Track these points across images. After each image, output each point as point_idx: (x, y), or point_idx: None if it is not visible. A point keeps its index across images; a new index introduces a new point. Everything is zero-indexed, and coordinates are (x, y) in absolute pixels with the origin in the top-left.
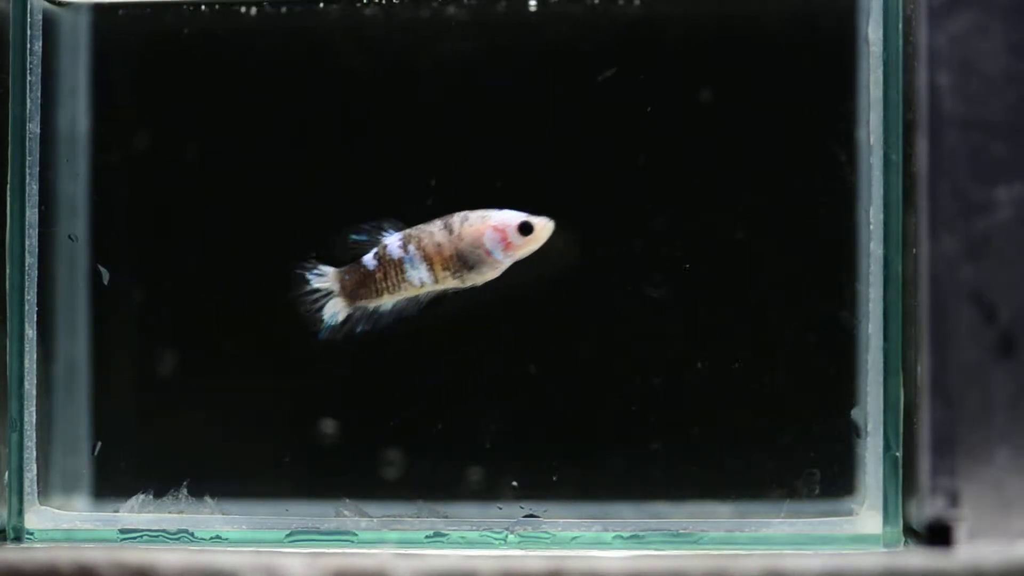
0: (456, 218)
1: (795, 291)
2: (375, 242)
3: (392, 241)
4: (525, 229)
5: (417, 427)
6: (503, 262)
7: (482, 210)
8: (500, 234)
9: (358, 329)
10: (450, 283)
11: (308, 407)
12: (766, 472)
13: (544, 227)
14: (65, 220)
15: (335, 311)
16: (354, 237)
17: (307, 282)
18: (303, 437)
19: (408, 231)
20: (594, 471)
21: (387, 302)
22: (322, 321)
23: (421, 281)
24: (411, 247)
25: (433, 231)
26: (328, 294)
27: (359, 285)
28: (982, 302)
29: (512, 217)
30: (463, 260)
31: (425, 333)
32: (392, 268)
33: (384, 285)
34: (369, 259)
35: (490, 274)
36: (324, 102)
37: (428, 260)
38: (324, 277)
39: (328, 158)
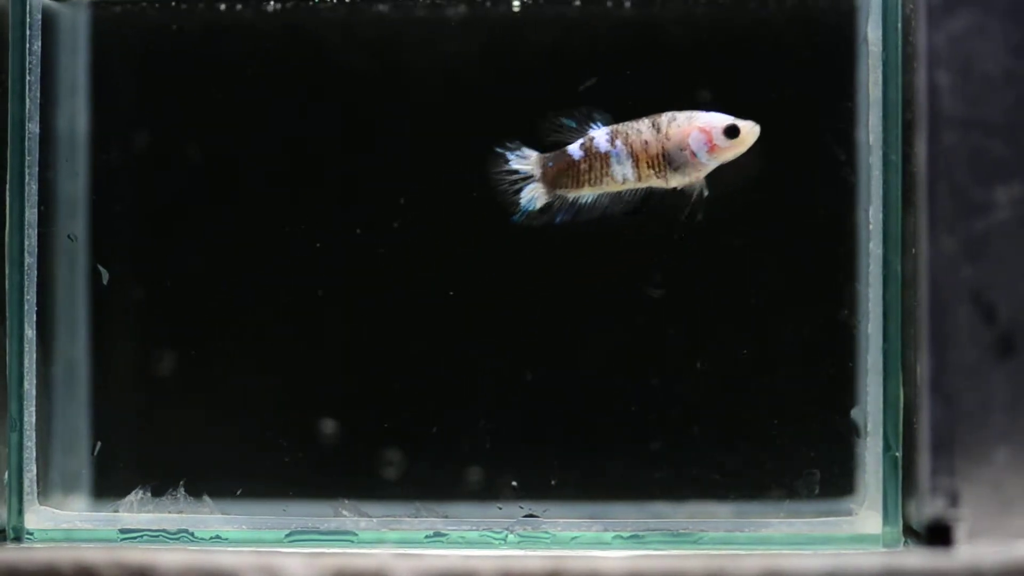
0: (664, 117)
1: (795, 291)
2: (581, 132)
3: (600, 134)
4: (731, 132)
5: (417, 427)
6: (707, 165)
7: (690, 111)
8: (705, 136)
9: (557, 219)
10: (653, 182)
11: (308, 407)
12: (766, 472)
13: (750, 131)
14: (65, 220)
15: (534, 196)
16: (562, 120)
17: (507, 161)
18: (303, 437)
19: (616, 126)
20: (594, 471)
21: (587, 194)
22: (518, 205)
23: (624, 177)
24: (618, 142)
25: (641, 129)
26: (528, 178)
27: (561, 173)
28: (982, 302)
29: (718, 119)
30: (668, 160)
31: (425, 333)
32: (597, 161)
33: (587, 177)
34: (575, 148)
35: (693, 176)
36: (323, 101)
37: (634, 157)
38: (526, 160)
39: (327, 157)
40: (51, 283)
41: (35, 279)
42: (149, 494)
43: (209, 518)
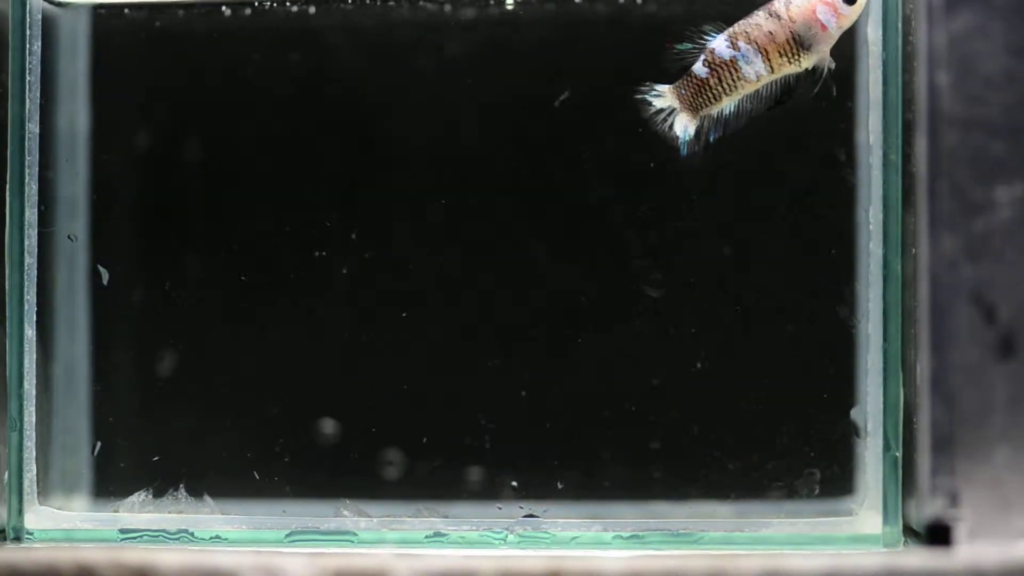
0: (778, 4)
1: (795, 291)
2: (700, 49)
3: (719, 43)
4: None
5: (417, 427)
6: (835, 35)
7: None
8: (830, 7)
9: (711, 139)
10: (787, 69)
11: (308, 407)
12: (766, 472)
13: None
14: (65, 220)
15: (684, 126)
16: (678, 47)
17: (650, 104)
18: (303, 437)
19: (732, 29)
20: (594, 471)
21: (727, 104)
22: (678, 139)
23: (757, 75)
24: (741, 43)
25: (760, 23)
26: (672, 111)
27: (696, 95)
28: (982, 302)
29: None
30: (799, 42)
31: (425, 333)
32: (725, 70)
33: (721, 88)
34: (699, 67)
35: (822, 51)
36: (324, 101)
37: (762, 52)
38: (662, 96)
39: (327, 157)
40: (51, 283)
41: (35, 279)
42: (150, 496)
43: (209, 518)
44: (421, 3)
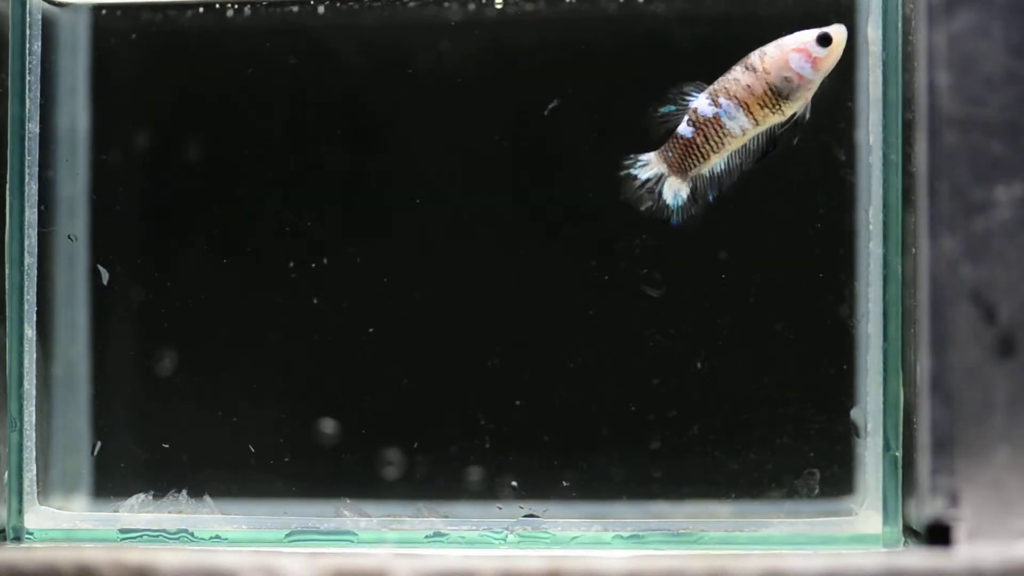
0: (753, 56)
1: (795, 291)
2: (683, 110)
3: (700, 102)
4: (824, 41)
5: (417, 427)
6: (815, 80)
7: (773, 41)
8: (804, 54)
9: (710, 198)
10: (771, 120)
11: (308, 407)
12: (766, 472)
13: (839, 33)
14: (65, 220)
15: (675, 191)
16: (661, 110)
17: (635, 177)
18: (303, 437)
19: (711, 87)
20: (594, 471)
21: (716, 162)
22: (668, 208)
23: (742, 129)
24: (722, 99)
25: (738, 77)
26: (660, 178)
27: (684, 157)
28: (982, 302)
29: (806, 35)
30: (777, 92)
31: (425, 332)
32: (710, 127)
33: (708, 147)
34: (684, 128)
35: (804, 97)
36: (324, 101)
37: (744, 105)
38: (648, 164)
39: (327, 157)
40: (51, 283)
41: (35, 279)
42: (151, 496)
43: (209, 518)
44: (416, 4)
